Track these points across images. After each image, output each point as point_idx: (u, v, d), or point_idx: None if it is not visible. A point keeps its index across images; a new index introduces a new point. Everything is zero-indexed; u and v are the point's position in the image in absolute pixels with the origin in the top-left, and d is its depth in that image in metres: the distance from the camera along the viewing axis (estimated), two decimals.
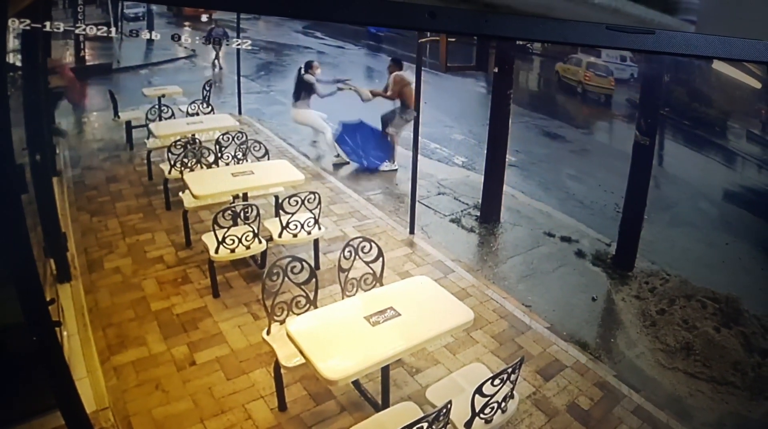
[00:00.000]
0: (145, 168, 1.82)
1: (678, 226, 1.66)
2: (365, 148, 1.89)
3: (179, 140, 1.75)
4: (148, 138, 1.79)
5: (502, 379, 1.27)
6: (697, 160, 1.67)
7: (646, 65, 1.57)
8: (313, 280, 1.47)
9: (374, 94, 1.80)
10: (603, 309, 1.64)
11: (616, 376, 1.54)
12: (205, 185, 1.70)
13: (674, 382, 1.51)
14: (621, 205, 1.65)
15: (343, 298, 1.51)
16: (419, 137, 1.77)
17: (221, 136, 1.78)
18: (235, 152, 1.78)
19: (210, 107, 1.80)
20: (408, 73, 1.77)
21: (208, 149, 1.77)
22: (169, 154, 1.75)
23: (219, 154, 1.78)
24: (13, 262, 0.99)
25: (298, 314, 1.43)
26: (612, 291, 1.65)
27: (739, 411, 1.47)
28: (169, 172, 1.76)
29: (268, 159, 1.80)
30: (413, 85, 1.76)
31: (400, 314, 1.37)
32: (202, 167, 1.77)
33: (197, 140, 1.77)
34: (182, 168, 1.75)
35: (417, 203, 1.84)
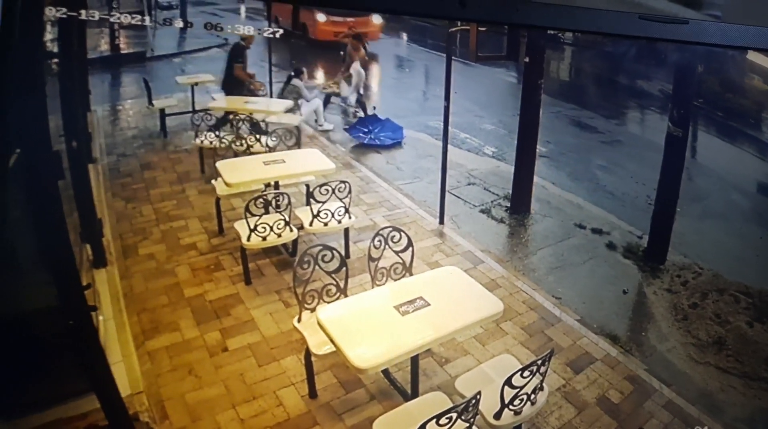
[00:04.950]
0: (179, 155, 1.83)
1: (711, 218, 1.64)
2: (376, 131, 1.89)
3: None
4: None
5: (531, 371, 1.26)
6: (730, 152, 1.64)
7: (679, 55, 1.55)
8: (344, 268, 1.48)
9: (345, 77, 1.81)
10: (634, 302, 1.63)
11: (647, 369, 1.53)
12: (238, 173, 1.71)
13: (706, 376, 1.50)
14: (653, 197, 1.63)
15: (372, 287, 1.51)
16: (449, 127, 1.76)
17: None
18: (267, 140, 1.79)
19: None
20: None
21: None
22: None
23: (251, 142, 1.79)
24: (50, 247, 1.01)
25: (328, 302, 1.44)
26: (643, 284, 1.64)
27: None
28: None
29: (299, 148, 1.81)
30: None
31: (429, 304, 1.37)
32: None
33: None
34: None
35: (447, 193, 1.83)
